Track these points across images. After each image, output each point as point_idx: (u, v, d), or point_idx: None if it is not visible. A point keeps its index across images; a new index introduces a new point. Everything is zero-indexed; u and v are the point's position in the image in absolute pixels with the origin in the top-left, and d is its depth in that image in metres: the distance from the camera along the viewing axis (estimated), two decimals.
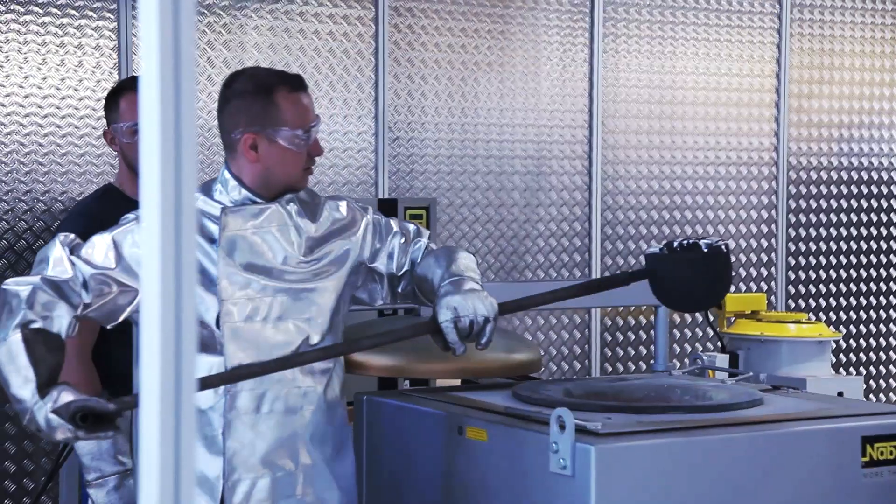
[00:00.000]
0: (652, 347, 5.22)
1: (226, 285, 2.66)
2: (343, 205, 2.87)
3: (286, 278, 2.71)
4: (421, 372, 3.24)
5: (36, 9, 4.27)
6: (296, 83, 2.75)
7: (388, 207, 4.39)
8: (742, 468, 2.75)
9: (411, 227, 2.92)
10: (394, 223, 2.91)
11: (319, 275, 2.75)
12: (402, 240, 2.87)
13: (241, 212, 2.70)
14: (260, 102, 2.68)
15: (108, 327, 2.72)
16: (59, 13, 4.30)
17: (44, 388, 2.45)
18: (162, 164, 1.02)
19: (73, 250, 2.59)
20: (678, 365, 5.00)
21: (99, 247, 2.60)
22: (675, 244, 2.80)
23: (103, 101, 3.66)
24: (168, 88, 1.02)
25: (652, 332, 5.22)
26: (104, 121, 3.62)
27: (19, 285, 2.53)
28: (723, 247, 2.78)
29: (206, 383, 2.54)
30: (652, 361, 5.20)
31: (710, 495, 2.72)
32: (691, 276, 2.81)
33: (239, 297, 2.66)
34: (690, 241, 2.78)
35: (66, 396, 2.44)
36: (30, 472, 4.23)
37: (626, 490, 2.64)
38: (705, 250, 2.76)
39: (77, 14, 4.32)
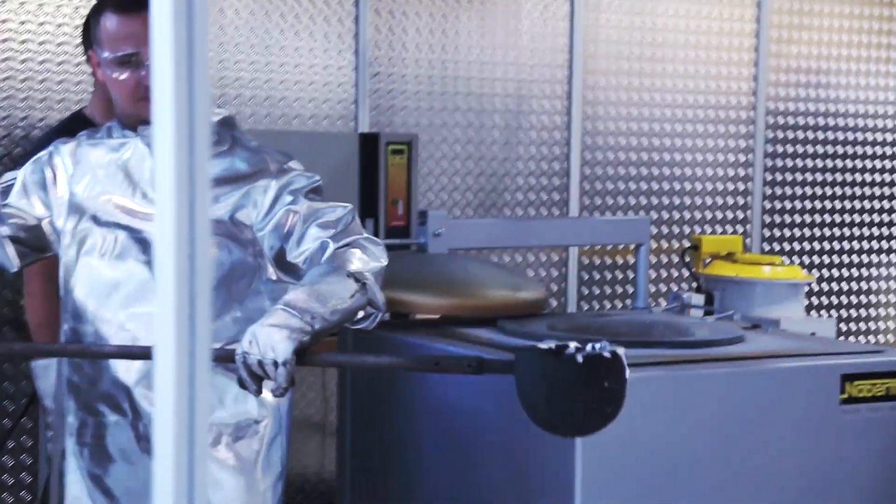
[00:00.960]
0: (628, 287, 5.27)
1: (64, 216, 2.59)
2: (259, 159, 2.54)
3: (134, 215, 2.52)
4: (425, 307, 3.24)
5: None
6: (124, 4, 2.48)
7: (370, 142, 4.38)
8: (723, 403, 2.80)
9: (343, 222, 2.45)
10: (325, 212, 2.44)
11: None
12: (319, 227, 2.44)
13: (99, 144, 2.61)
14: (95, 21, 2.55)
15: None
16: None
17: None
18: (175, 102, 1.01)
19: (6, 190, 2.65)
20: (655, 303, 5.05)
21: (14, 179, 2.66)
22: (570, 345, 2.02)
23: (82, 27, 3.55)
24: (181, 28, 1.01)
25: (628, 271, 5.27)
26: (83, 47, 3.55)
27: None
28: (606, 356, 2.02)
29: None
30: (628, 301, 5.25)
31: (692, 429, 2.76)
32: (550, 385, 2.00)
33: (80, 229, 2.56)
34: (593, 342, 2.04)
35: None
36: None
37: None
38: (579, 356, 1.99)
39: None
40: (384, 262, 2.40)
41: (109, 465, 2.56)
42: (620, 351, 2.01)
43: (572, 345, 2.01)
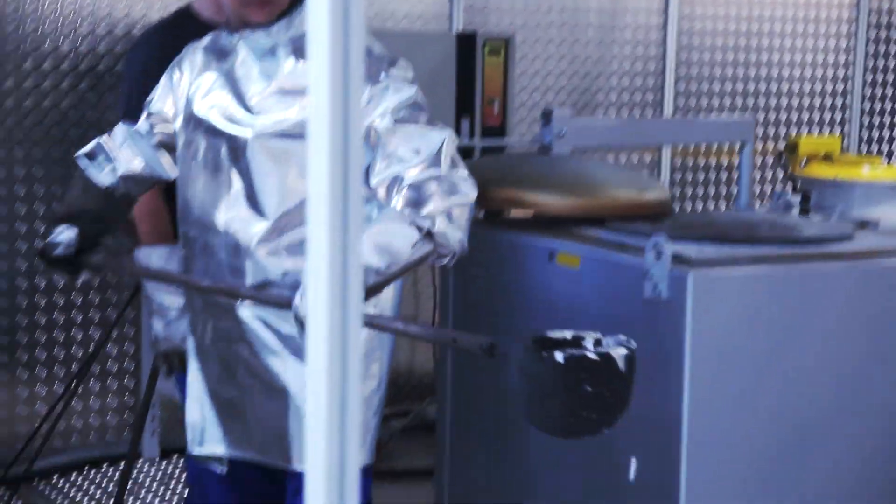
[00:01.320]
0: (721, 187, 5.24)
1: (181, 120, 2.60)
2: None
3: (236, 122, 2.49)
4: (552, 207, 3.23)
5: None
6: None
7: (467, 42, 4.37)
8: (833, 300, 2.79)
9: (430, 150, 2.28)
10: (415, 135, 2.28)
11: (257, 130, 2.45)
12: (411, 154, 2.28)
13: (214, 50, 2.59)
14: None
15: None
16: None
17: (56, 221, 2.58)
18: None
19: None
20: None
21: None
22: (587, 337, 1.78)
23: None
24: None
25: (721, 172, 5.23)
26: None
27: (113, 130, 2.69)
28: (592, 357, 1.75)
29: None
30: (721, 201, 5.23)
31: (802, 326, 2.76)
32: (528, 381, 1.78)
33: (191, 134, 2.56)
34: (613, 338, 1.79)
35: (61, 236, 2.54)
36: (97, 303, 4.34)
37: (721, 317, 2.69)
38: (558, 355, 1.73)
39: None
40: (471, 196, 2.23)
41: (221, 370, 2.60)
42: (617, 354, 1.72)
43: (590, 337, 1.75)
